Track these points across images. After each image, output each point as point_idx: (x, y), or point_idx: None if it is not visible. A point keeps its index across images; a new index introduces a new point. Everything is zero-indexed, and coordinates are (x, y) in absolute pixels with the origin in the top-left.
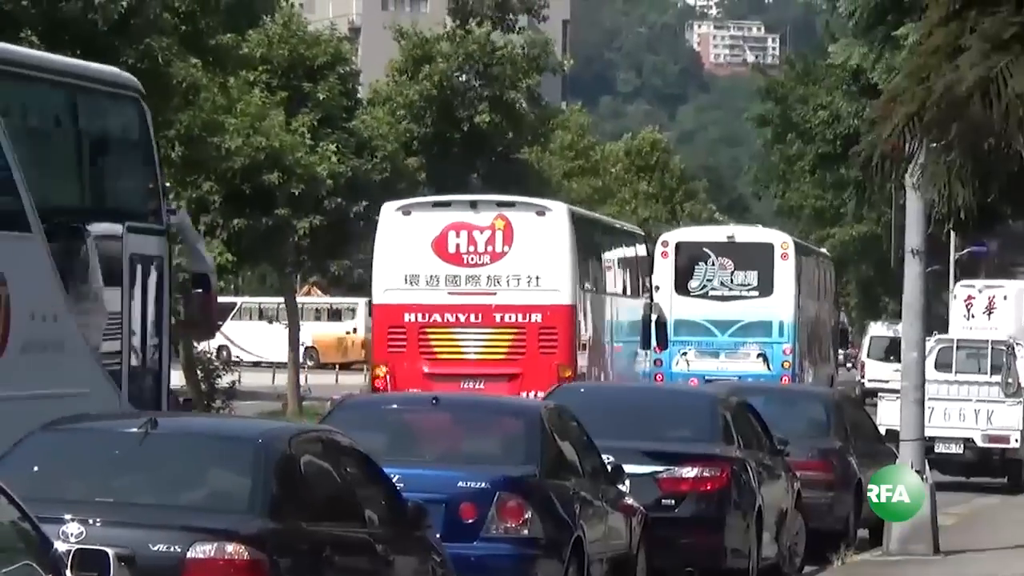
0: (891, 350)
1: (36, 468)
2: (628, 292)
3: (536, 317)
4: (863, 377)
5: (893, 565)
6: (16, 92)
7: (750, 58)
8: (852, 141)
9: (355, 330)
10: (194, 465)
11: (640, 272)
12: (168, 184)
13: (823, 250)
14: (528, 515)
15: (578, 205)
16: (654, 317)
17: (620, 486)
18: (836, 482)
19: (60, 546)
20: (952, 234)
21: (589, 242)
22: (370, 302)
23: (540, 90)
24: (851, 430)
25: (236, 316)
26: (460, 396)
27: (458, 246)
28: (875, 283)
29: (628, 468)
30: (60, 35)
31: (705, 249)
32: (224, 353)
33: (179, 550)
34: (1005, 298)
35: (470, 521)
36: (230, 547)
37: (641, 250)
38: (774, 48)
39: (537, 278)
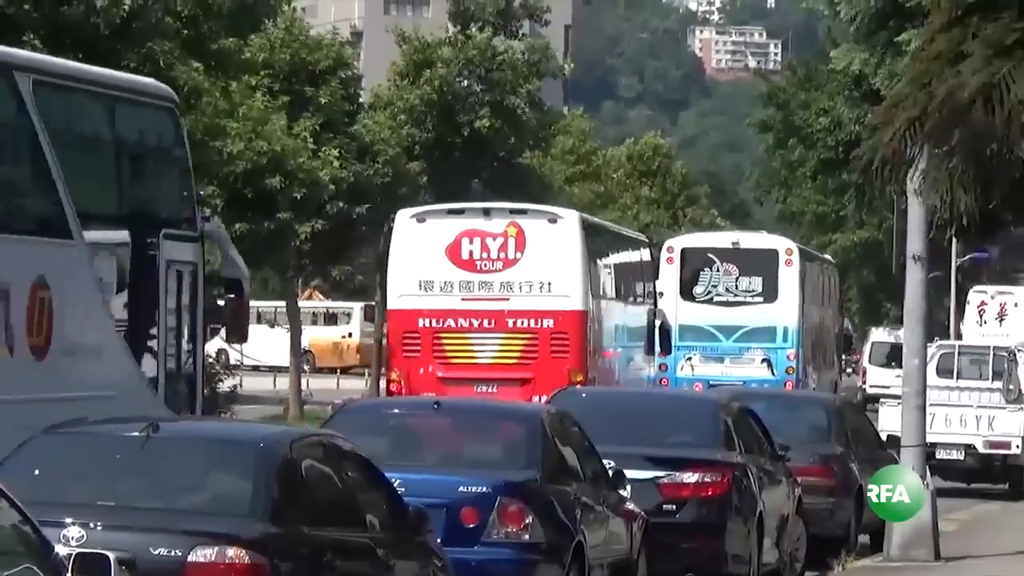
0: (892, 356)
1: (37, 472)
2: (634, 298)
3: (548, 322)
4: (864, 383)
5: (894, 571)
6: (58, 103)
7: (752, 64)
8: (854, 147)
9: (350, 334)
10: (195, 469)
11: (645, 278)
12: None
13: (827, 256)
14: (529, 520)
15: (580, 211)
16: (658, 323)
17: (621, 491)
18: (837, 488)
19: (61, 550)
20: (954, 240)
21: (599, 249)
22: (366, 306)
23: (541, 95)
24: (852, 436)
25: None
26: (461, 401)
27: (471, 253)
28: (876, 289)
29: (629, 473)
30: (62, 39)
31: (710, 255)
32: (223, 357)
33: (180, 554)
34: (1016, 305)
35: (471, 526)
36: (231, 551)
37: (646, 256)
38: (776, 54)
39: (549, 284)
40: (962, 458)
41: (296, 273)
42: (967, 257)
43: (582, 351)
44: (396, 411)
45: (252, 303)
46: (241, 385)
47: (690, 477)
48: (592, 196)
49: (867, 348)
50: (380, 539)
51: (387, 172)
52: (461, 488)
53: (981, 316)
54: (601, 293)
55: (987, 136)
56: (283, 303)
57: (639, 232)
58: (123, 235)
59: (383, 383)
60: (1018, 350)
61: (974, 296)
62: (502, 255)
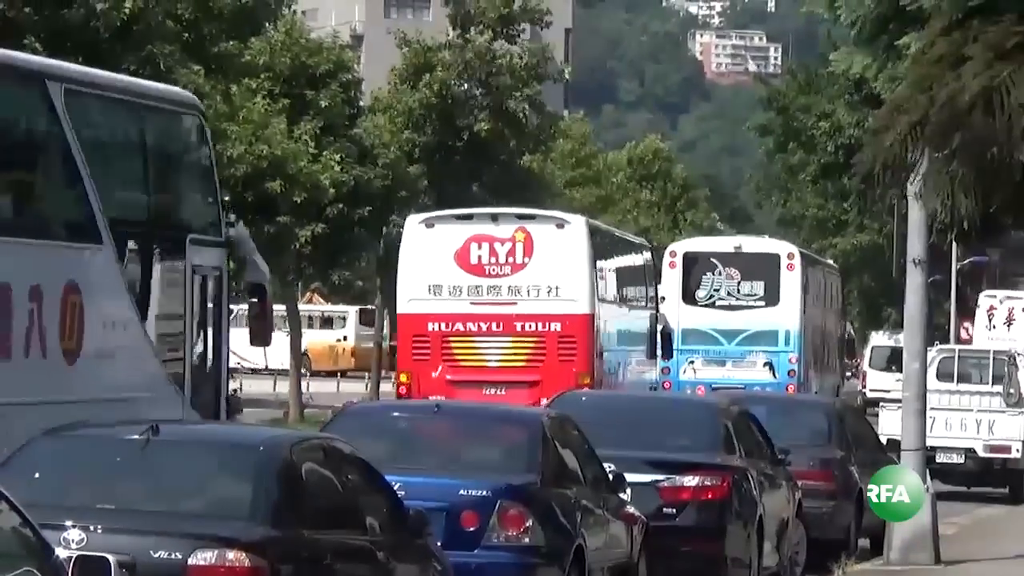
0: (892, 360)
1: (38, 474)
2: (638, 302)
3: (555, 326)
4: (864, 387)
5: (894, 575)
6: (89, 111)
7: (752, 67)
8: (854, 151)
9: (345, 338)
10: (196, 472)
11: (647, 282)
12: None
13: (829, 261)
14: (529, 523)
15: (580, 215)
16: (659, 327)
17: (621, 495)
18: (837, 492)
19: (61, 553)
20: (954, 244)
21: (604, 253)
22: (361, 310)
23: (541, 99)
24: (852, 440)
25: (235, 323)
26: (462, 404)
27: (480, 258)
28: (877, 293)
29: (629, 477)
30: (62, 42)
31: (712, 259)
32: None
33: (180, 557)
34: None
35: (471, 529)
36: (231, 554)
37: (648, 260)
38: (776, 58)
39: (556, 288)
40: (962, 462)
41: (296, 276)
42: (967, 261)
43: (589, 354)
44: (397, 414)
45: None
46: (241, 388)
47: (690, 481)
48: (593, 200)
49: (867, 352)
50: (380, 542)
51: (387, 176)
52: (461, 491)
53: (990, 320)
54: (606, 297)
55: (988, 140)
56: (283, 306)
57: (639, 236)
58: (151, 240)
59: (383, 386)
60: (1018, 354)
61: (984, 300)
62: (510, 260)
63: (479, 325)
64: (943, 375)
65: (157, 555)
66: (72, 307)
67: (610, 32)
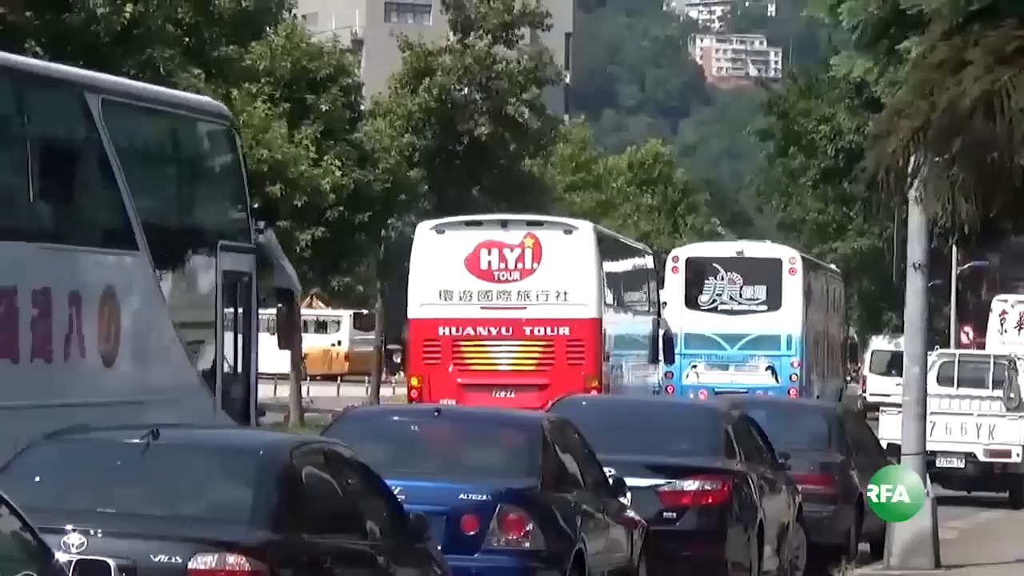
0: (893, 364)
1: (38, 478)
2: (642, 307)
3: (564, 330)
4: (865, 391)
5: None
6: (125, 121)
7: (752, 72)
8: (854, 155)
9: (339, 342)
10: (196, 476)
11: (650, 287)
12: None
13: (832, 266)
14: (529, 528)
15: (581, 219)
16: (662, 332)
17: (621, 499)
18: (837, 496)
19: (61, 556)
20: (955, 248)
21: (611, 259)
22: (355, 314)
23: (541, 102)
24: (853, 444)
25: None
26: (462, 408)
27: (490, 263)
28: (877, 297)
29: (629, 481)
30: (63, 46)
31: (715, 264)
32: None
33: (180, 561)
34: None
35: (471, 533)
36: (231, 558)
37: (651, 266)
38: (776, 62)
39: (565, 293)
40: (962, 466)
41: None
42: (967, 266)
43: (597, 357)
44: (397, 419)
45: None
46: None
47: (690, 485)
48: (593, 204)
49: (867, 356)
50: (380, 546)
51: (387, 179)
52: (461, 495)
53: (1002, 325)
54: (613, 302)
55: (988, 144)
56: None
57: (639, 241)
58: (183, 246)
59: (383, 390)
60: (1018, 358)
61: (996, 305)
62: (519, 265)
63: (489, 329)
64: (943, 379)
65: (157, 559)
66: (109, 311)
67: (611, 36)
